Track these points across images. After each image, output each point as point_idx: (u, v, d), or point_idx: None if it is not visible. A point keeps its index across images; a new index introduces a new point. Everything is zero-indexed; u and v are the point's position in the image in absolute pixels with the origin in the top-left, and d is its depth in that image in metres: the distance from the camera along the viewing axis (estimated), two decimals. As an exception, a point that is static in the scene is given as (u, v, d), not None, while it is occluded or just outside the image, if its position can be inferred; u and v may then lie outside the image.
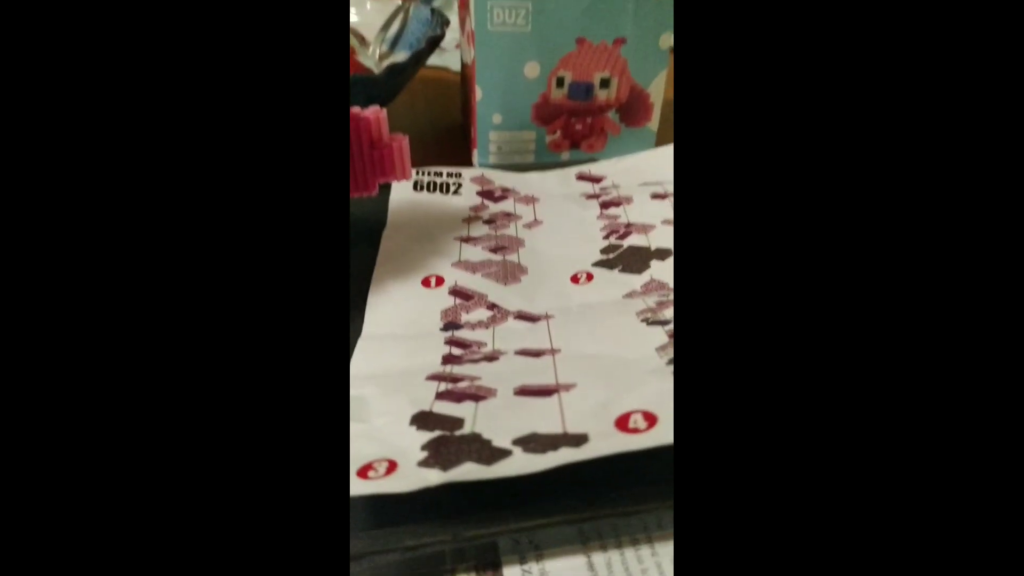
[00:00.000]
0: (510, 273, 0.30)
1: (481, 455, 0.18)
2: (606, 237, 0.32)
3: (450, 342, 0.26)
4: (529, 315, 0.28)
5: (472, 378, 0.23)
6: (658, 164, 0.38)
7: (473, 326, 0.27)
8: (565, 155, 0.41)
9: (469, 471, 0.18)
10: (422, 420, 0.21)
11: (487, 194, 0.36)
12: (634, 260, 0.31)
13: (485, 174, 0.38)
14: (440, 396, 0.22)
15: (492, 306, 0.28)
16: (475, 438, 0.19)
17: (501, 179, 0.37)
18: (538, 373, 0.23)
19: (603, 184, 0.37)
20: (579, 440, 0.18)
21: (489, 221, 0.34)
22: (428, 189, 0.36)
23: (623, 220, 0.33)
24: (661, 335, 0.24)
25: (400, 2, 0.46)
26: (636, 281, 0.29)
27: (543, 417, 0.20)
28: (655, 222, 0.33)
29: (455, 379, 0.23)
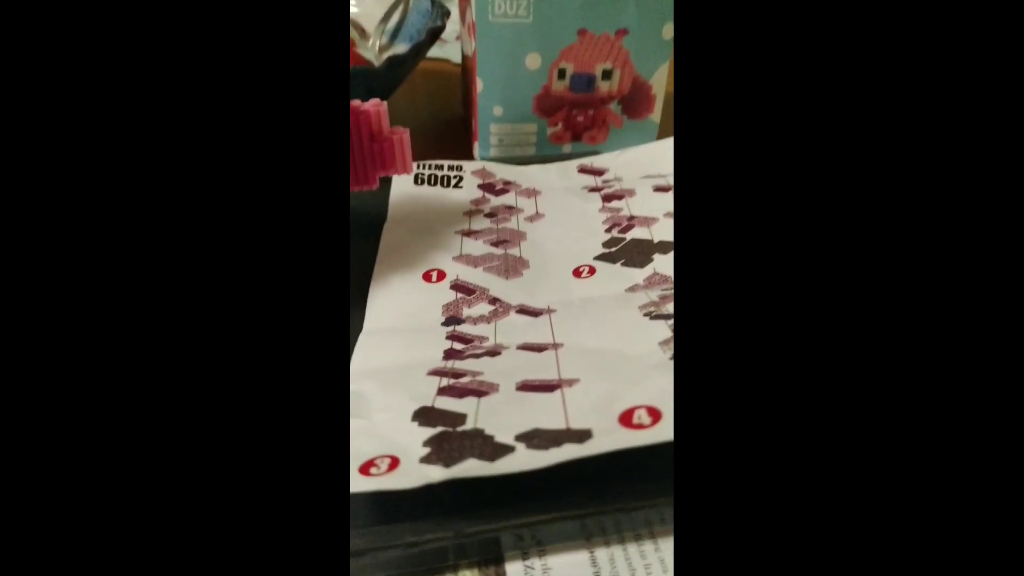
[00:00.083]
0: (512, 267, 0.30)
1: (484, 451, 0.18)
2: (608, 230, 0.32)
3: (451, 337, 0.26)
4: (531, 309, 0.28)
5: (474, 373, 0.23)
6: (660, 156, 0.38)
7: (475, 320, 0.27)
8: (567, 147, 0.40)
9: (472, 468, 0.18)
10: (424, 416, 0.20)
11: (488, 187, 0.36)
12: (636, 253, 0.30)
13: (486, 167, 0.37)
14: (442, 391, 0.22)
15: (494, 300, 0.28)
16: (477, 434, 0.19)
17: (502, 172, 0.37)
18: (540, 368, 0.23)
19: (605, 177, 0.37)
20: (583, 436, 0.18)
21: (490, 215, 0.34)
22: (429, 182, 0.36)
23: (625, 213, 0.33)
24: (664, 329, 0.24)
25: (400, -7, 0.46)
26: (638, 275, 0.29)
27: (546, 412, 0.20)
28: (658, 215, 0.33)
29: (457, 374, 0.23)
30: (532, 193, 0.36)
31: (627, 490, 0.20)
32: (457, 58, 0.56)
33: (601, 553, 0.20)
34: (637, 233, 0.32)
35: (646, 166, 0.37)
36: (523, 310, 0.28)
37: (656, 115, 0.40)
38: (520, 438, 0.19)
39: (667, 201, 0.33)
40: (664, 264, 0.30)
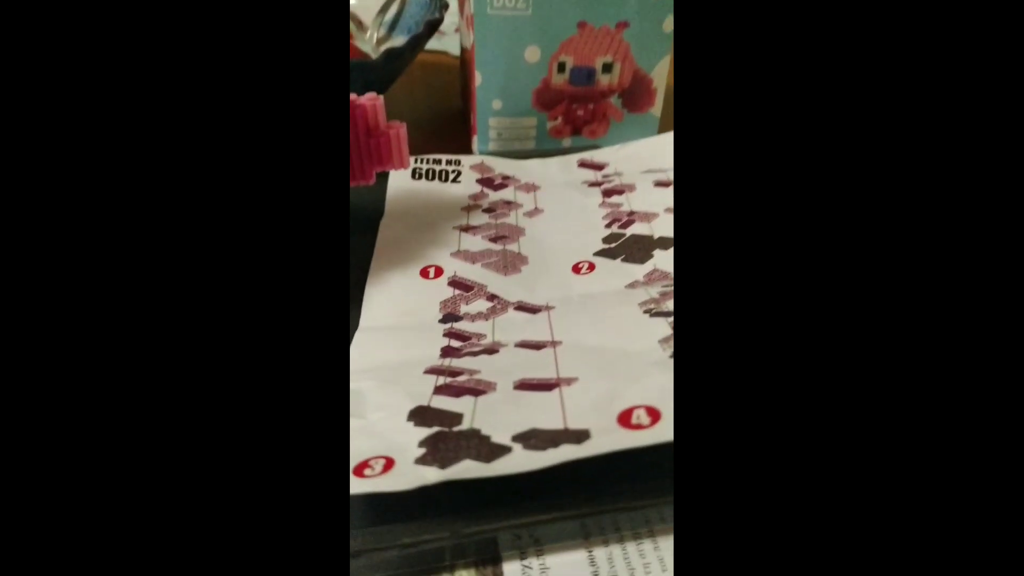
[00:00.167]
0: (510, 263, 0.30)
1: (480, 452, 0.18)
2: (608, 226, 0.32)
3: (449, 334, 0.26)
4: (529, 306, 0.27)
5: (471, 371, 0.22)
6: (661, 151, 0.37)
7: (473, 317, 0.27)
8: (566, 141, 0.40)
9: (468, 469, 0.17)
10: (420, 415, 0.20)
11: (487, 182, 0.36)
12: (637, 249, 0.30)
13: (485, 161, 0.37)
14: (438, 390, 0.21)
15: (492, 297, 0.28)
16: (474, 434, 0.19)
17: (501, 166, 0.37)
18: (539, 366, 0.22)
19: (605, 171, 0.36)
20: (580, 436, 0.18)
21: (489, 210, 0.34)
22: (427, 177, 0.35)
23: (626, 208, 0.33)
24: (664, 327, 0.24)
25: (398, -15, 0.46)
26: (639, 271, 0.29)
27: (544, 412, 0.20)
28: (658, 210, 0.32)
29: (454, 372, 0.23)
30: (531, 188, 0.35)
31: (626, 490, 0.19)
32: (456, 50, 0.55)
33: (599, 552, 0.20)
34: (637, 229, 0.31)
35: (647, 160, 0.37)
36: (521, 307, 0.27)
37: (657, 109, 0.40)
38: (517, 438, 0.18)
39: (668, 196, 0.33)
40: (664, 260, 0.29)
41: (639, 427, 0.18)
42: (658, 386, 0.20)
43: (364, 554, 0.18)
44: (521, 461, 0.17)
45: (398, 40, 0.44)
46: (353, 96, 0.27)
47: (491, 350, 0.24)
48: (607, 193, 0.34)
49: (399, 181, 0.35)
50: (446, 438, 0.19)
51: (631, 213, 0.32)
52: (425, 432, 0.19)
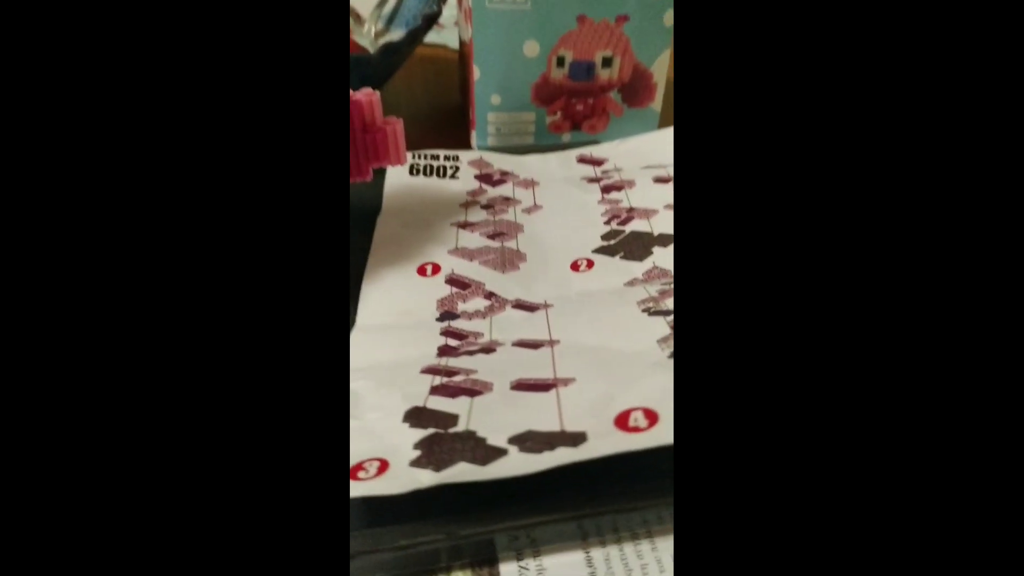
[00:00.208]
0: (508, 260, 0.30)
1: (475, 454, 0.18)
2: (607, 222, 0.32)
3: (446, 333, 0.25)
4: (528, 304, 0.27)
5: (468, 371, 0.22)
6: (661, 146, 0.37)
7: (470, 316, 0.27)
8: (566, 137, 0.40)
9: (463, 472, 0.17)
10: (415, 416, 0.20)
11: (485, 178, 0.35)
12: (636, 246, 0.30)
13: (483, 157, 0.37)
14: (434, 390, 0.21)
15: (490, 295, 0.28)
16: (469, 436, 0.19)
17: (500, 162, 0.36)
18: (536, 366, 0.22)
19: (605, 167, 0.36)
20: (577, 439, 0.18)
21: (487, 206, 0.33)
22: (424, 173, 0.35)
23: (625, 205, 0.33)
24: (663, 326, 0.23)
25: (396, -22, 0.45)
26: (638, 268, 0.29)
27: (540, 413, 0.19)
28: (658, 207, 0.32)
29: (450, 372, 0.22)
30: (530, 184, 0.35)
31: (623, 492, 0.19)
32: (455, 44, 0.55)
33: (597, 553, 0.20)
34: (636, 226, 0.31)
35: (647, 156, 0.36)
36: (519, 305, 0.27)
37: (657, 103, 0.39)
38: (513, 440, 0.18)
39: (667, 192, 0.33)
40: (663, 257, 0.29)
41: (636, 430, 0.18)
42: (656, 388, 0.19)
43: (359, 556, 0.18)
44: (516, 464, 0.17)
45: (396, 34, 0.43)
46: (349, 91, 0.27)
47: (488, 349, 0.24)
48: (606, 189, 0.34)
49: (396, 177, 0.35)
50: (441, 440, 0.19)
51: (630, 209, 0.32)
52: (420, 434, 0.19)
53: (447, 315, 0.27)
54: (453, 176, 0.35)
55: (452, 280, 0.28)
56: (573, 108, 0.39)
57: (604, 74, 0.38)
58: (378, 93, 0.28)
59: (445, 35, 0.56)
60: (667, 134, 0.38)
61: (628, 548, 0.20)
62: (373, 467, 0.18)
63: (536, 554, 0.20)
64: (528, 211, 0.33)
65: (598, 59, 0.37)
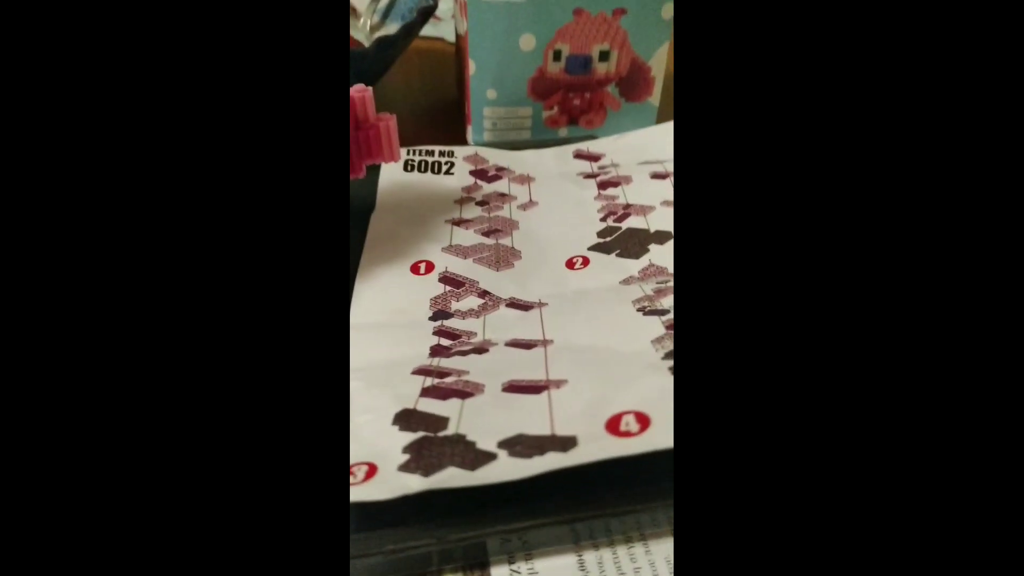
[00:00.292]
0: (503, 258, 0.29)
1: (465, 459, 0.18)
2: (604, 219, 0.31)
3: (439, 332, 0.25)
4: (522, 303, 0.27)
5: (459, 372, 0.22)
6: (658, 141, 0.36)
7: (463, 315, 0.26)
8: (563, 131, 0.39)
9: (452, 477, 0.17)
10: (405, 419, 0.20)
11: (480, 174, 0.35)
12: (632, 244, 0.30)
13: (479, 152, 0.36)
14: (425, 392, 0.21)
15: (483, 293, 0.27)
16: (459, 439, 0.19)
17: (496, 158, 0.36)
18: (528, 366, 0.22)
19: (601, 163, 0.36)
20: (567, 444, 0.18)
21: (482, 203, 0.33)
22: (419, 169, 0.35)
23: (621, 201, 0.32)
24: (658, 326, 0.23)
25: (392, -30, 0.45)
26: (634, 266, 0.28)
27: (531, 416, 0.19)
28: (654, 203, 0.32)
29: (442, 373, 0.22)
30: (526, 180, 0.35)
31: (615, 496, 0.19)
32: (452, 37, 0.54)
33: (589, 556, 0.20)
34: (633, 222, 0.31)
35: (644, 151, 0.36)
36: (513, 303, 0.27)
37: (655, 97, 0.39)
38: (503, 444, 0.18)
39: (664, 189, 0.32)
40: (659, 255, 0.29)
41: (627, 434, 0.17)
42: (648, 390, 0.19)
43: (349, 560, 0.18)
44: (505, 470, 0.17)
45: (392, 27, 0.43)
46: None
47: (481, 349, 0.24)
48: (603, 185, 0.34)
49: (391, 173, 0.34)
50: (431, 444, 0.18)
51: (627, 206, 0.32)
52: (410, 437, 0.19)
53: (440, 314, 0.26)
54: (448, 172, 0.35)
55: (446, 278, 0.28)
56: (570, 102, 0.38)
57: (601, 68, 0.37)
58: (371, 90, 0.27)
59: (442, 28, 0.55)
60: (664, 129, 0.37)
61: (621, 551, 0.20)
62: (361, 471, 0.18)
63: (528, 557, 0.20)
64: (524, 207, 0.33)
65: (595, 53, 0.37)
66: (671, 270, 0.28)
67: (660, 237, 0.30)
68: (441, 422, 0.19)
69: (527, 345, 0.24)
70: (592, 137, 0.39)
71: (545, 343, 0.24)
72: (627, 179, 0.34)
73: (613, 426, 0.18)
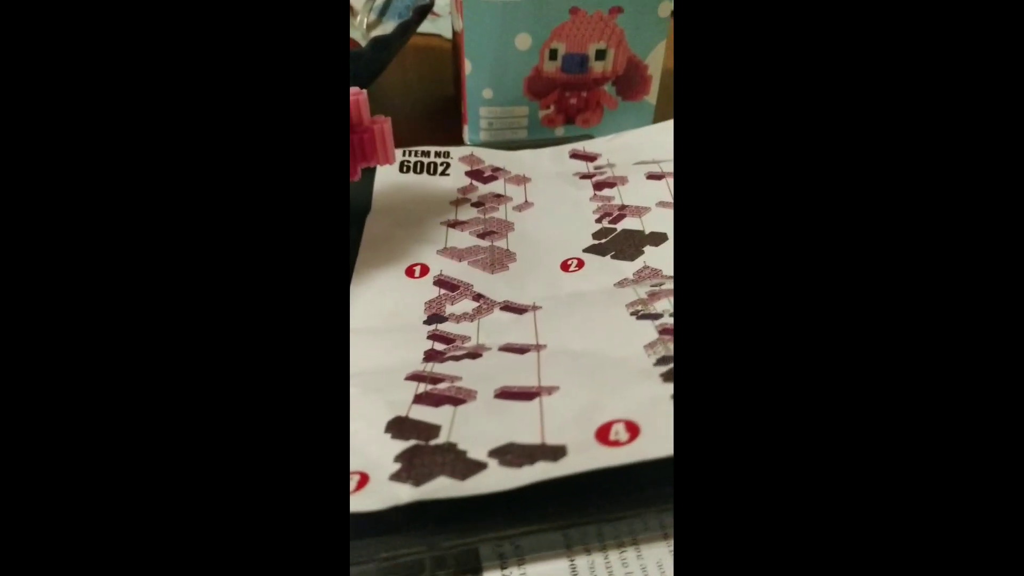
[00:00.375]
0: (497, 260, 0.29)
1: (455, 468, 0.18)
2: (599, 220, 0.31)
3: (433, 336, 0.25)
4: (516, 306, 0.27)
5: (452, 378, 0.22)
6: (654, 141, 0.36)
7: (458, 318, 0.26)
8: (559, 130, 0.39)
9: (442, 487, 0.17)
10: (397, 427, 0.20)
11: (476, 174, 0.35)
12: (627, 245, 0.30)
13: (475, 153, 0.36)
14: (418, 399, 0.21)
15: (478, 297, 0.27)
16: (450, 448, 0.19)
17: (491, 158, 0.36)
18: (521, 372, 0.22)
19: (597, 163, 0.36)
20: (557, 453, 0.18)
21: (478, 204, 0.33)
22: (415, 170, 0.35)
23: (617, 202, 0.32)
24: (650, 331, 0.23)
25: (388, -33, 0.44)
26: (628, 268, 0.28)
27: (522, 424, 0.19)
28: (650, 204, 0.31)
29: (435, 379, 0.22)
30: (522, 180, 0.35)
31: (606, 504, 0.19)
32: (449, 33, 0.54)
33: (581, 561, 0.20)
34: (628, 224, 0.31)
35: (640, 151, 0.36)
36: (508, 307, 0.27)
37: (652, 96, 0.39)
38: (493, 453, 0.18)
39: (660, 189, 0.32)
40: (654, 257, 0.29)
41: (616, 444, 0.18)
42: (639, 398, 0.19)
43: (349, 568, 0.18)
44: (496, 480, 0.17)
45: (388, 25, 0.43)
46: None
47: (474, 354, 0.24)
48: (598, 186, 0.33)
49: (386, 175, 0.34)
50: (422, 453, 0.19)
51: (622, 207, 0.32)
52: (401, 445, 0.19)
53: (435, 318, 0.26)
54: (444, 173, 0.35)
55: (440, 281, 0.28)
56: (566, 101, 0.38)
57: (598, 67, 0.37)
58: (365, 92, 0.27)
59: (440, 24, 0.55)
60: (660, 129, 0.37)
61: (613, 556, 0.20)
62: (353, 481, 0.18)
63: (520, 563, 0.20)
64: (519, 208, 0.33)
65: (591, 52, 0.36)
66: (665, 272, 0.28)
67: (655, 239, 0.30)
68: (433, 430, 0.20)
69: (520, 350, 0.24)
70: (588, 136, 0.39)
71: (538, 348, 0.24)
72: (623, 179, 0.34)
73: (603, 435, 0.18)
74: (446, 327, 0.26)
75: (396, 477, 0.18)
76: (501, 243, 0.30)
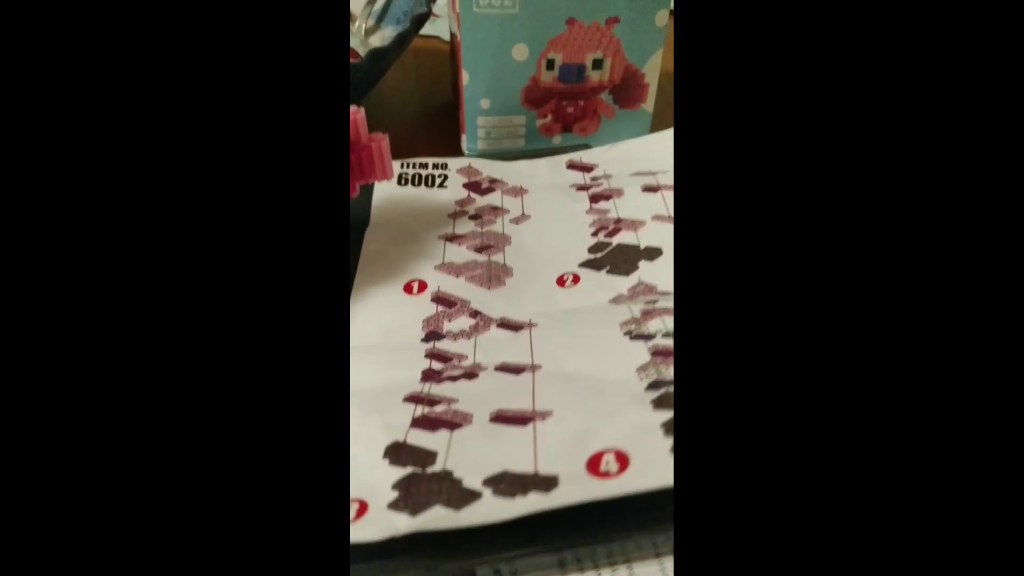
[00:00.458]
0: (494, 276, 0.30)
1: (451, 497, 0.18)
2: (595, 234, 0.32)
3: (431, 355, 0.26)
4: (512, 323, 0.27)
5: (449, 400, 0.23)
6: (651, 152, 0.37)
7: (455, 336, 0.27)
8: (557, 139, 0.39)
9: (437, 517, 0.18)
10: (395, 453, 0.20)
11: (474, 186, 0.35)
12: (622, 260, 0.30)
13: (472, 164, 0.36)
14: (415, 423, 0.22)
15: (475, 313, 0.28)
16: (446, 476, 0.19)
17: (489, 169, 0.36)
18: (516, 394, 0.23)
19: (594, 174, 0.36)
20: (549, 484, 0.18)
21: (475, 216, 0.33)
22: (413, 183, 0.35)
23: (613, 215, 0.32)
24: (643, 352, 0.24)
25: (386, -28, 0.44)
26: (623, 284, 0.29)
27: (516, 450, 0.20)
28: (645, 217, 0.32)
29: (432, 401, 0.23)
30: (519, 192, 0.35)
31: (597, 531, 0.20)
32: (447, 35, 0.54)
33: (576, 579, 0.20)
34: (623, 238, 0.31)
35: (636, 162, 0.36)
36: (504, 324, 0.27)
37: (649, 104, 0.39)
38: (488, 482, 0.19)
39: (655, 202, 0.33)
40: (649, 272, 0.29)
41: (607, 475, 0.18)
42: (630, 426, 0.20)
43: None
44: (489, 510, 0.18)
45: (386, 31, 0.43)
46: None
47: (471, 374, 0.24)
48: (595, 198, 0.34)
49: (385, 188, 0.35)
50: (419, 481, 0.19)
51: (618, 220, 0.32)
52: (399, 473, 0.20)
53: (432, 335, 0.27)
54: (441, 185, 0.35)
55: (438, 298, 0.29)
56: (564, 110, 0.38)
57: (595, 76, 0.37)
58: (363, 111, 0.28)
59: (439, 26, 0.55)
60: (656, 139, 0.38)
61: (605, 574, 0.21)
62: (352, 509, 0.18)
63: (515, 581, 0.20)
64: (516, 221, 0.33)
65: (589, 61, 0.37)
66: (660, 288, 0.28)
67: (650, 253, 0.30)
68: (430, 457, 0.20)
69: (516, 370, 0.24)
70: (586, 145, 0.39)
71: (533, 368, 0.24)
72: (619, 192, 0.34)
73: (594, 465, 0.19)
74: (443, 345, 0.26)
75: (394, 506, 0.18)
76: (498, 257, 0.31)
